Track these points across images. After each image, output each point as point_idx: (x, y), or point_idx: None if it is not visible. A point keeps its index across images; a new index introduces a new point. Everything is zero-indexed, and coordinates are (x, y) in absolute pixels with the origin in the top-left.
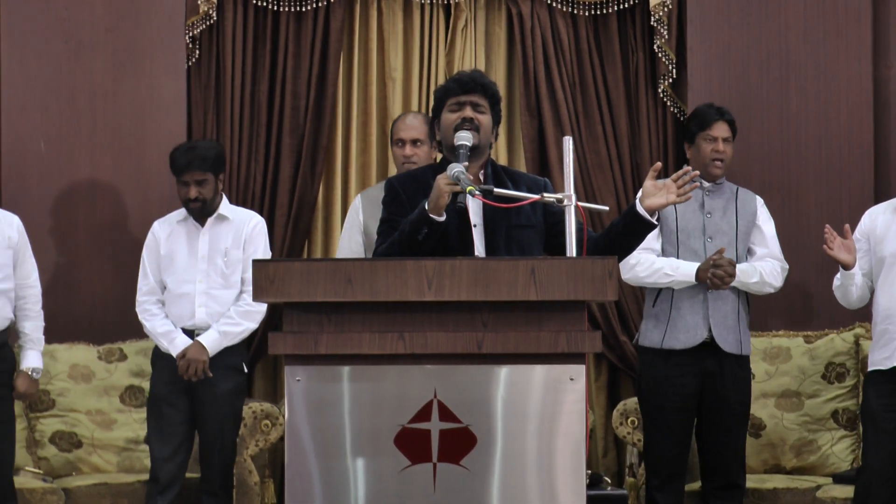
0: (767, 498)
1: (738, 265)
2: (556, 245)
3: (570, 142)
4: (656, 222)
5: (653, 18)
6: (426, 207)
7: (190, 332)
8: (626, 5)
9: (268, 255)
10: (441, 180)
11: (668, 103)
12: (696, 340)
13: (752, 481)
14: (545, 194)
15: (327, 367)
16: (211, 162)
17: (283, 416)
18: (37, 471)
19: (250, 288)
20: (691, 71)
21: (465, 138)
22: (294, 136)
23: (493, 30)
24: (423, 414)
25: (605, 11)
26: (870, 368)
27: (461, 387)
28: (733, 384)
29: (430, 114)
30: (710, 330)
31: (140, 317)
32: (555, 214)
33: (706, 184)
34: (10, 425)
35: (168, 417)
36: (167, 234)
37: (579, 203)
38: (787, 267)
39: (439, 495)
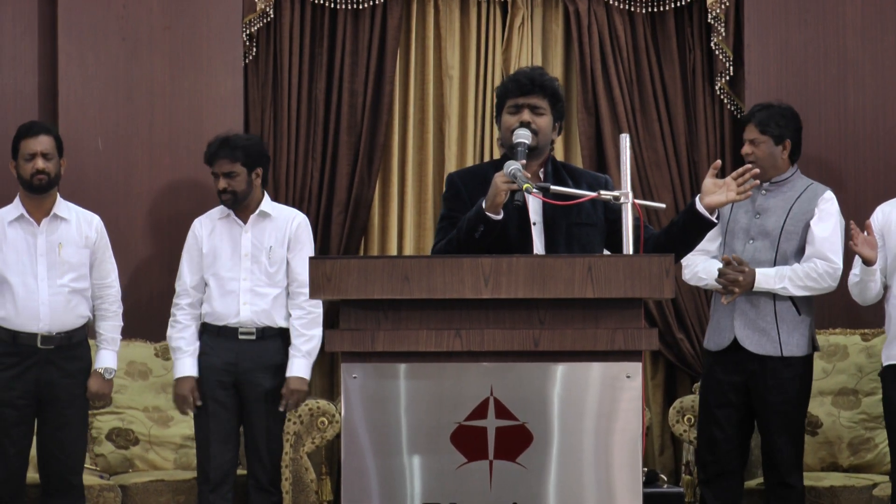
0: (825, 496)
1: (763, 270)
2: (616, 242)
3: (628, 139)
4: (716, 220)
5: (710, 16)
6: (483, 206)
7: (234, 330)
8: (684, 2)
9: (312, 253)
10: (498, 178)
11: (726, 101)
12: (724, 342)
13: (808, 479)
14: (602, 192)
15: (384, 364)
16: (241, 154)
17: (340, 414)
18: (94, 468)
19: (304, 290)
20: (748, 68)
21: (523, 136)
22: (351, 133)
23: (549, 27)
24: (480, 411)
25: (662, 9)
26: (885, 363)
27: (517, 384)
28: (774, 385)
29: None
30: (735, 333)
31: (170, 319)
32: (615, 212)
33: (764, 184)
34: (83, 425)
35: (215, 415)
36: (209, 231)
37: (636, 200)
38: (839, 266)
39: (495, 493)
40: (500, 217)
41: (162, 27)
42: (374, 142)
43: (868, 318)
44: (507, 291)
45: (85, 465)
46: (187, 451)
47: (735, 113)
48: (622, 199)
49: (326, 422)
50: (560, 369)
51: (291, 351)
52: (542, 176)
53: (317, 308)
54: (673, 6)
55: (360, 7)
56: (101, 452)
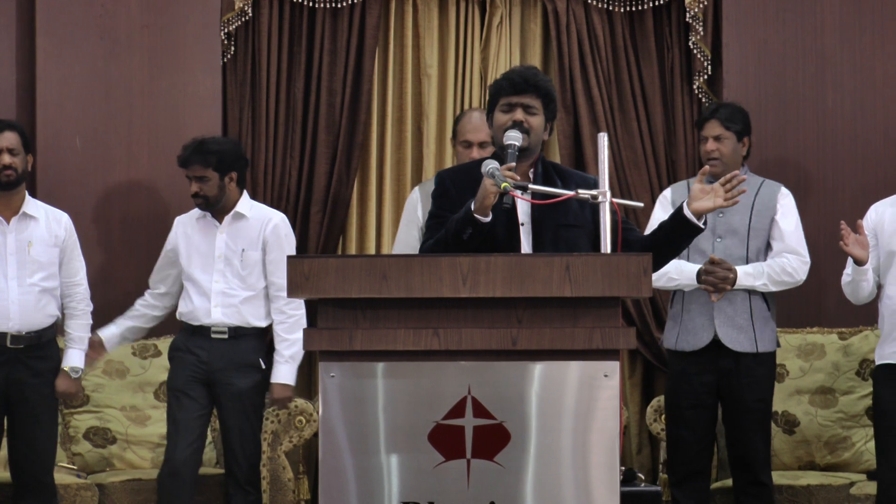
0: (801, 494)
1: (742, 268)
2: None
3: (606, 138)
4: (703, 226)
5: (688, 15)
6: (472, 207)
7: (208, 329)
8: (662, 2)
9: (293, 253)
10: (487, 181)
11: (704, 100)
12: (702, 342)
13: (785, 478)
14: (580, 191)
15: (362, 363)
16: (213, 159)
17: (318, 413)
18: (71, 466)
19: (283, 294)
20: (727, 67)
21: (513, 138)
22: (329, 132)
23: (528, 26)
24: (458, 410)
25: (640, 8)
26: (878, 362)
27: (495, 383)
28: (749, 382)
29: (486, 108)
30: (715, 332)
31: None
32: None
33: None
34: (53, 424)
35: (186, 411)
36: (184, 231)
37: (614, 199)
38: (808, 260)
39: (473, 492)
40: (488, 219)
41: (140, 26)
42: (353, 140)
43: (844, 316)
44: (485, 290)
45: (62, 464)
46: (164, 450)
47: None
48: (600, 199)
49: (304, 421)
50: (538, 368)
51: (275, 356)
52: (531, 176)
53: (298, 310)
54: (651, 5)
55: (339, 6)
56: (78, 451)
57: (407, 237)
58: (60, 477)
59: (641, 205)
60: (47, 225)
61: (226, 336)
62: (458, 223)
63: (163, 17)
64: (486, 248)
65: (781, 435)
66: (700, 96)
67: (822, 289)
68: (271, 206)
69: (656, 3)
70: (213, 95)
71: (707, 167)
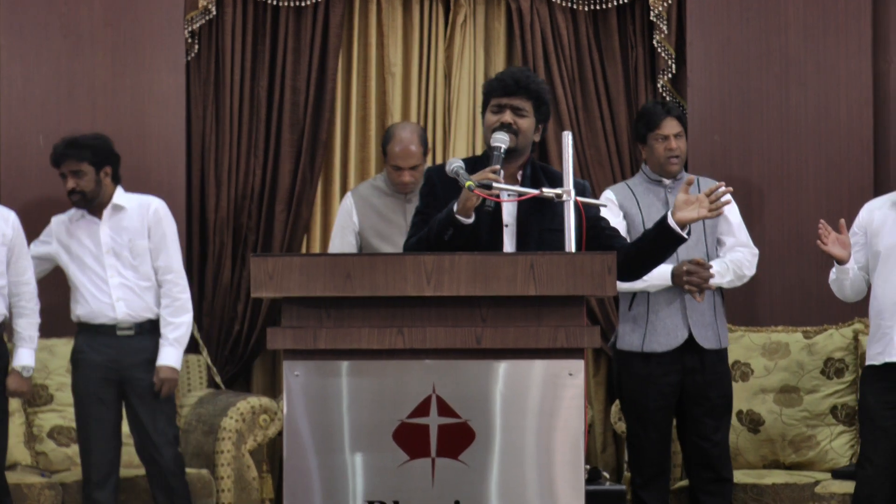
0: (766, 493)
1: (713, 265)
2: (593, 248)
3: (570, 137)
4: (686, 236)
5: (652, 13)
6: (454, 209)
7: (112, 327)
8: (626, 1)
9: (175, 238)
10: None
11: (668, 98)
12: (678, 342)
13: (750, 476)
14: (544, 189)
15: (326, 361)
16: (88, 153)
17: (282, 411)
18: (34, 466)
19: (169, 277)
20: (691, 66)
21: (500, 140)
22: (293, 131)
23: (492, 25)
24: (422, 409)
25: (604, 7)
26: (866, 363)
27: (460, 382)
28: (714, 379)
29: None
30: (689, 330)
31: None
32: (590, 219)
33: (666, 180)
34: (3, 422)
35: (99, 415)
36: (65, 231)
37: (578, 198)
38: (757, 252)
39: (438, 490)
40: (470, 221)
41: (104, 24)
42: (317, 139)
43: (809, 315)
44: (449, 289)
45: (25, 464)
46: (128, 448)
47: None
48: (564, 197)
49: (268, 419)
50: (502, 367)
51: (161, 340)
52: (519, 178)
53: (183, 294)
54: (615, 4)
55: (303, 4)
56: (42, 450)
57: (342, 243)
58: (24, 476)
59: (606, 204)
60: None
61: (132, 332)
62: (440, 224)
63: (126, 14)
64: (468, 249)
65: (746, 434)
66: (664, 95)
67: (784, 287)
68: (235, 204)
69: (620, 2)
70: (176, 94)
71: (692, 176)
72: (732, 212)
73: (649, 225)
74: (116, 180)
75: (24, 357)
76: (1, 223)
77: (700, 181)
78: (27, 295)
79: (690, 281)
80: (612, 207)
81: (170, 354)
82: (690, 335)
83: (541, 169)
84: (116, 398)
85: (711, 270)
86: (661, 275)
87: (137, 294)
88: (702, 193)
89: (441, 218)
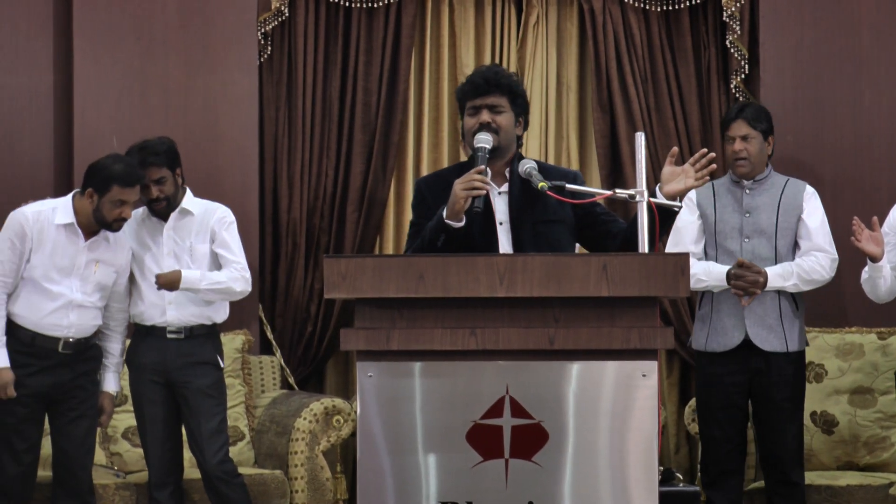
0: (840, 495)
1: (772, 269)
2: (588, 237)
3: (643, 137)
4: (678, 206)
5: (725, 14)
6: (443, 214)
7: (162, 330)
8: (698, 1)
9: (238, 245)
10: (458, 186)
11: (741, 99)
12: (733, 343)
13: (824, 478)
14: (617, 190)
15: (399, 362)
16: (164, 158)
17: (355, 412)
18: (110, 466)
19: (235, 262)
20: (763, 66)
21: (483, 141)
22: (365, 132)
23: (564, 26)
24: (496, 410)
25: (676, 7)
26: None
27: (533, 383)
28: (779, 381)
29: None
30: (746, 332)
31: None
32: (584, 207)
33: (746, 182)
34: (93, 420)
35: (152, 415)
36: (131, 231)
37: (651, 199)
38: (836, 257)
39: (511, 491)
40: (460, 224)
41: (177, 26)
42: (389, 140)
43: (883, 316)
44: (522, 290)
45: (100, 464)
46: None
47: None
48: (637, 198)
49: (342, 420)
50: (575, 368)
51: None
52: (507, 175)
53: (245, 273)
54: (688, 4)
55: (375, 6)
56: (116, 451)
57: None
58: (99, 476)
59: (680, 204)
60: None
61: (181, 336)
62: (432, 231)
63: (199, 16)
64: (463, 251)
65: (820, 435)
66: (737, 95)
67: (858, 288)
68: (308, 206)
69: (692, 3)
70: (249, 95)
71: (675, 148)
72: (812, 215)
73: (722, 226)
74: (184, 181)
75: (115, 383)
76: (120, 251)
77: (788, 183)
78: (124, 320)
79: (736, 285)
80: (689, 206)
81: (194, 275)
82: (748, 337)
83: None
84: (167, 399)
85: (770, 274)
86: (718, 275)
87: (191, 299)
88: (686, 164)
89: (432, 225)
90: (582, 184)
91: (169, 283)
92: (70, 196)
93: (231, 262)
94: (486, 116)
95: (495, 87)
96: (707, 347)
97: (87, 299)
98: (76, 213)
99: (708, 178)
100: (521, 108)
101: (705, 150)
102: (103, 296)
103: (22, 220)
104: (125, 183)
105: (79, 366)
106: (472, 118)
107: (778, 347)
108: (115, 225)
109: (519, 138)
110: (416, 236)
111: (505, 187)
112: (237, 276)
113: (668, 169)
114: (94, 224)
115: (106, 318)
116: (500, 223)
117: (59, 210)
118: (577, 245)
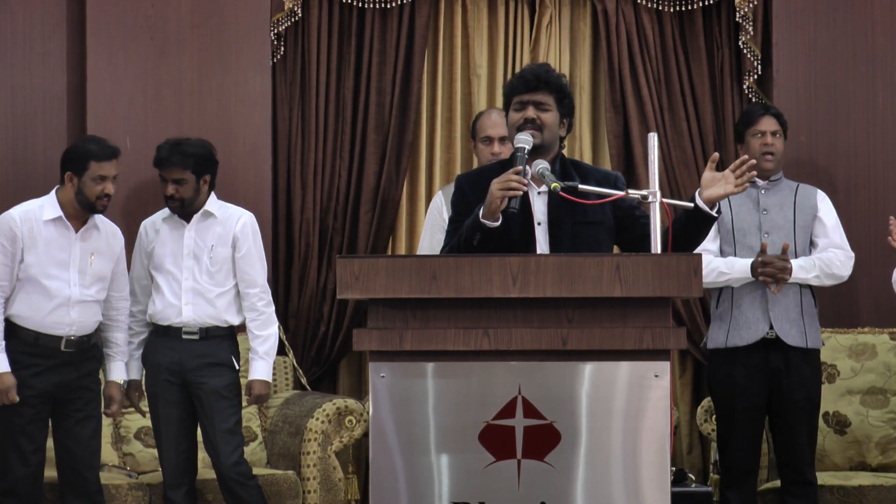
0: (852, 495)
1: (795, 261)
2: (626, 240)
3: (655, 138)
4: (716, 214)
5: (738, 14)
6: (480, 213)
7: (178, 329)
8: (711, 1)
9: (261, 253)
10: (495, 185)
11: (754, 99)
12: (758, 335)
13: (837, 478)
14: (630, 191)
15: (412, 363)
16: (192, 162)
17: (368, 412)
18: (122, 467)
19: (254, 290)
20: (777, 67)
21: (522, 141)
22: (379, 132)
23: (577, 26)
24: (508, 410)
25: (690, 8)
26: None
27: (546, 383)
28: (799, 381)
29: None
30: (770, 324)
31: None
32: (622, 209)
33: (761, 182)
34: (99, 420)
35: (166, 415)
36: (154, 232)
37: (664, 200)
38: (853, 255)
39: (524, 492)
40: (496, 224)
41: (190, 26)
42: (402, 140)
43: None
44: (535, 290)
45: (112, 464)
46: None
47: None
48: (650, 199)
49: (354, 421)
50: (588, 368)
51: (251, 354)
52: None
53: (268, 308)
54: (701, 5)
55: (388, 6)
56: (129, 451)
57: (431, 242)
58: (111, 477)
59: (692, 205)
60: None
61: (196, 337)
62: (468, 229)
63: (212, 17)
64: (500, 251)
65: (832, 435)
66: (750, 96)
67: (871, 288)
68: (321, 206)
69: (706, 3)
70: (262, 95)
71: (716, 154)
72: (827, 214)
73: (740, 223)
74: (212, 187)
75: (122, 371)
76: (113, 241)
77: (800, 187)
78: (125, 310)
79: (765, 272)
80: None
81: (261, 368)
82: (773, 331)
83: (571, 164)
84: (183, 399)
85: (794, 265)
86: (742, 268)
87: (208, 300)
88: (727, 170)
89: (468, 224)
90: (623, 185)
91: (263, 397)
92: (53, 191)
93: (254, 298)
94: (531, 112)
95: (544, 85)
96: (728, 343)
97: (85, 293)
98: (62, 205)
99: (747, 185)
100: (567, 109)
101: (745, 156)
102: (101, 287)
103: (10, 223)
104: (101, 157)
105: (83, 365)
106: (517, 113)
107: (799, 342)
108: (99, 204)
109: (562, 139)
110: (454, 233)
111: (544, 187)
112: (265, 319)
113: (708, 174)
114: (81, 212)
115: (106, 309)
116: (539, 223)
117: (46, 206)
118: (615, 247)
